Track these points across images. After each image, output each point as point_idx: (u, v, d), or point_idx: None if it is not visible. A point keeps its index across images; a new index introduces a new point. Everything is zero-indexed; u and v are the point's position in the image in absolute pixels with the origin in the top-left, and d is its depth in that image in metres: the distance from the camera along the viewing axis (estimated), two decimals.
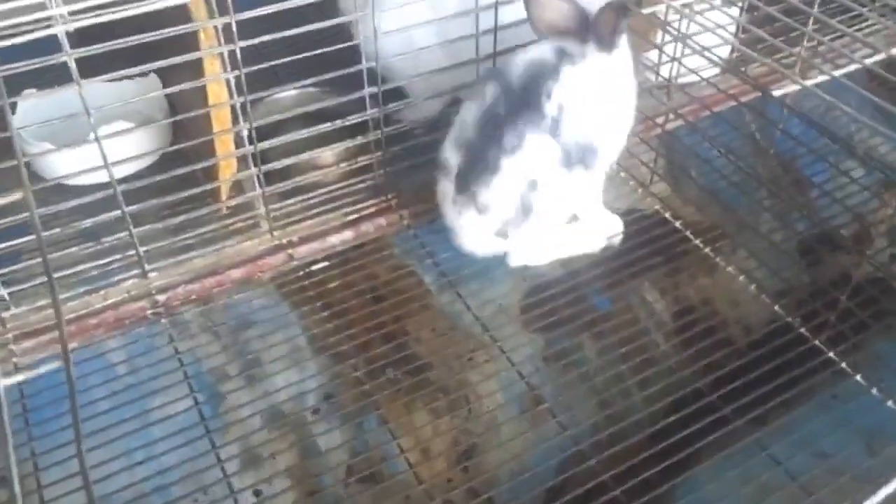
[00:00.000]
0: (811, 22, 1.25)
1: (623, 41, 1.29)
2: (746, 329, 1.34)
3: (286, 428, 1.20)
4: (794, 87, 0.96)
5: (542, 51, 1.28)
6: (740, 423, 1.13)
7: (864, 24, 1.74)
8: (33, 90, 1.52)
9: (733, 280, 1.40)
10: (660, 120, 1.54)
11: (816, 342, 1.24)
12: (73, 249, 1.28)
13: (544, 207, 1.28)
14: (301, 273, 1.38)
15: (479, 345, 1.31)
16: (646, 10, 1.15)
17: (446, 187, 1.31)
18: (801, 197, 1.59)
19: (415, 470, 1.15)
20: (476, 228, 1.31)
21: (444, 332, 1.34)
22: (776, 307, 1.32)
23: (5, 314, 1.26)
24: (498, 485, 1.13)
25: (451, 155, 1.30)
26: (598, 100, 1.28)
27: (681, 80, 1.60)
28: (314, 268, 1.38)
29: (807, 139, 1.48)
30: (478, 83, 1.31)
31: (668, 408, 1.20)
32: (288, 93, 1.58)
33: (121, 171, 1.41)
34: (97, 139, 1.14)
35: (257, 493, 1.13)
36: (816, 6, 1.37)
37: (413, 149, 1.47)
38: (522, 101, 1.24)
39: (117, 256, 1.30)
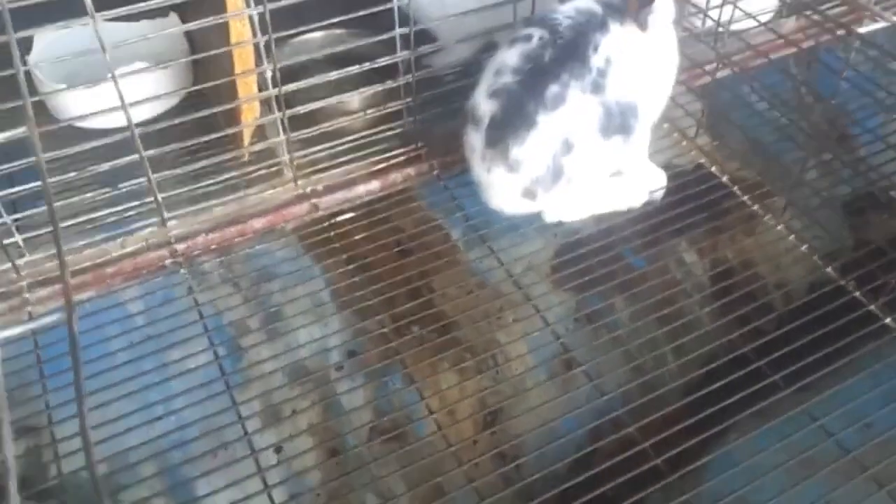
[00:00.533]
0: None
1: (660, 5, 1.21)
2: (792, 292, 1.27)
3: (309, 384, 1.16)
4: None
5: (588, 2, 1.20)
6: (788, 392, 1.06)
7: None
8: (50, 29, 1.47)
9: (781, 239, 1.32)
10: (709, 68, 1.45)
11: (872, 307, 1.17)
12: (90, 195, 1.23)
13: (575, 173, 1.20)
14: (325, 224, 1.33)
15: (508, 303, 1.26)
16: None
17: (475, 139, 1.23)
18: (849, 155, 1.51)
19: (442, 432, 1.10)
20: (504, 186, 1.23)
21: (472, 289, 1.28)
22: (828, 269, 1.25)
23: (20, 261, 1.22)
24: (527, 451, 1.09)
25: (482, 103, 1.21)
26: (643, 59, 1.21)
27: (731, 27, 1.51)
28: (339, 219, 1.33)
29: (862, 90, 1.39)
30: (520, 27, 1.22)
31: (705, 376, 1.14)
32: (314, 34, 1.51)
33: (139, 115, 1.35)
34: (113, 77, 1.08)
35: (278, 450, 1.10)
36: None
37: (444, 95, 1.39)
38: (569, 50, 1.16)
39: (135, 203, 1.25)
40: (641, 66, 1.21)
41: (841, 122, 1.53)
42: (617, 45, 1.17)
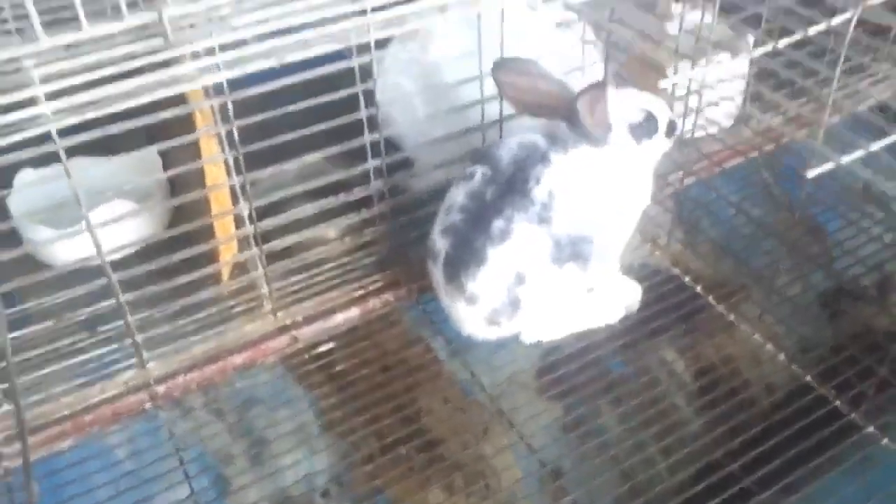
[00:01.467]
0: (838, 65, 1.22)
1: (621, 122, 1.22)
2: (775, 403, 1.28)
3: None
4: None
5: (531, 135, 1.23)
6: (766, 496, 1.06)
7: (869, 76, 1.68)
8: (30, 170, 1.48)
9: (759, 347, 1.33)
10: (673, 178, 1.49)
11: (853, 416, 1.17)
12: (67, 341, 1.23)
13: (532, 302, 1.20)
14: (306, 356, 1.32)
15: (493, 417, 1.26)
16: (664, 82, 1.10)
17: (435, 274, 1.25)
18: (818, 250, 1.54)
19: None
20: (468, 317, 1.24)
21: (458, 405, 1.28)
22: (808, 378, 1.25)
23: None
24: None
25: (437, 240, 1.23)
26: (596, 189, 1.21)
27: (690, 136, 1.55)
28: (319, 350, 1.33)
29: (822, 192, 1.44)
30: (466, 164, 1.25)
31: (694, 476, 1.14)
32: (290, 165, 1.54)
33: (117, 253, 1.36)
34: (90, 228, 1.10)
35: None
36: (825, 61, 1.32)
37: (421, 219, 1.41)
38: (509, 185, 1.18)
39: (114, 347, 1.25)
40: (595, 195, 1.21)
41: (808, 217, 1.56)
42: (560, 177, 1.18)
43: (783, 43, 1.02)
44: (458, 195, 1.22)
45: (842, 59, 1.25)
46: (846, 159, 0.78)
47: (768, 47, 1.02)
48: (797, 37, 1.03)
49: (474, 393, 1.29)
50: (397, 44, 1.56)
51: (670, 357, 1.36)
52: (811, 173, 0.79)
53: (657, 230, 1.52)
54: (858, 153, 0.79)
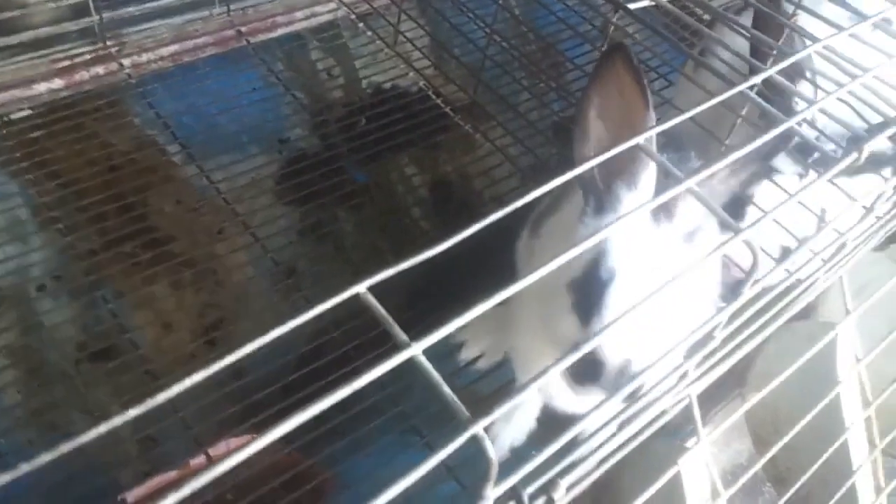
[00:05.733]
0: None
1: None
2: (499, 205, 1.35)
3: (5, 305, 1.05)
4: None
5: None
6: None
7: None
8: None
9: (490, 158, 1.37)
10: None
11: None
12: None
13: None
14: (5, 132, 1.15)
15: (228, 218, 1.20)
16: None
17: None
18: (560, 78, 1.59)
19: (155, 344, 1.04)
20: None
21: (191, 206, 1.21)
22: (527, 185, 1.32)
23: None
24: (246, 360, 1.05)
25: None
26: None
27: None
28: (15, 116, 1.15)
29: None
30: None
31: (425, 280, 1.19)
32: None
33: None
34: None
35: None
36: None
37: None
38: None
39: None
40: None
41: (552, 51, 1.59)
42: None
43: None
44: None
45: None
46: None
47: None
48: None
49: (209, 195, 1.21)
50: None
51: (411, 171, 1.38)
52: None
53: (410, 51, 1.47)
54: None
